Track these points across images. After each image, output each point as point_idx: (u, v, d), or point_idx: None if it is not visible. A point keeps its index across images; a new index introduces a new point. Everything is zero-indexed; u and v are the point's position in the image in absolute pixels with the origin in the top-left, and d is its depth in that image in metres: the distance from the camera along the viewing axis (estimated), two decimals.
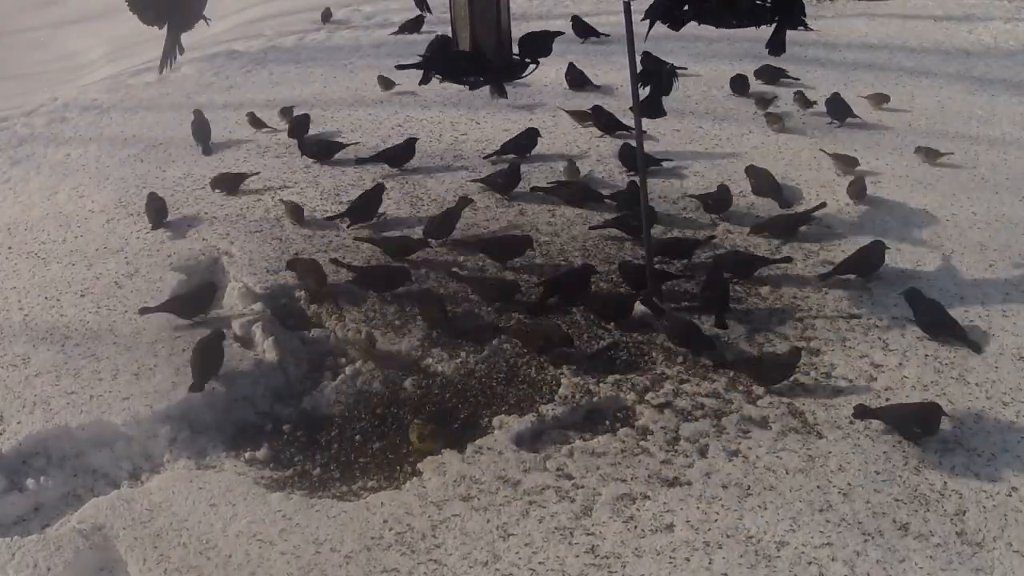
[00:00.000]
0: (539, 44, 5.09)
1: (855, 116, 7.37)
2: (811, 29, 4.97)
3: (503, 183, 6.37)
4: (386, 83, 8.16)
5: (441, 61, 4.92)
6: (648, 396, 4.57)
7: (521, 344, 4.92)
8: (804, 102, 7.61)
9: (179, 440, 4.44)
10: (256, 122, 7.56)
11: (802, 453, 4.17)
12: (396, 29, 9.97)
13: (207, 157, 7.06)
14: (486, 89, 5.18)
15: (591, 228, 5.96)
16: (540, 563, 3.67)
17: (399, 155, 6.80)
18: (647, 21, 5.00)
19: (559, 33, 5.33)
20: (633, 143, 5.97)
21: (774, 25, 4.96)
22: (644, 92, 5.21)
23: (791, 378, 4.58)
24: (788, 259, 5.57)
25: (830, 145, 6.97)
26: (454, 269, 5.56)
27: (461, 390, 4.72)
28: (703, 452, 4.20)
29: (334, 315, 5.27)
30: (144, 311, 5.09)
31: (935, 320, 4.88)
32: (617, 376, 4.71)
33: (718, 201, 6.12)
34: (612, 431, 4.39)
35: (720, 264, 5.41)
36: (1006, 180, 6.58)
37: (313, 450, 4.48)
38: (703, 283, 5.28)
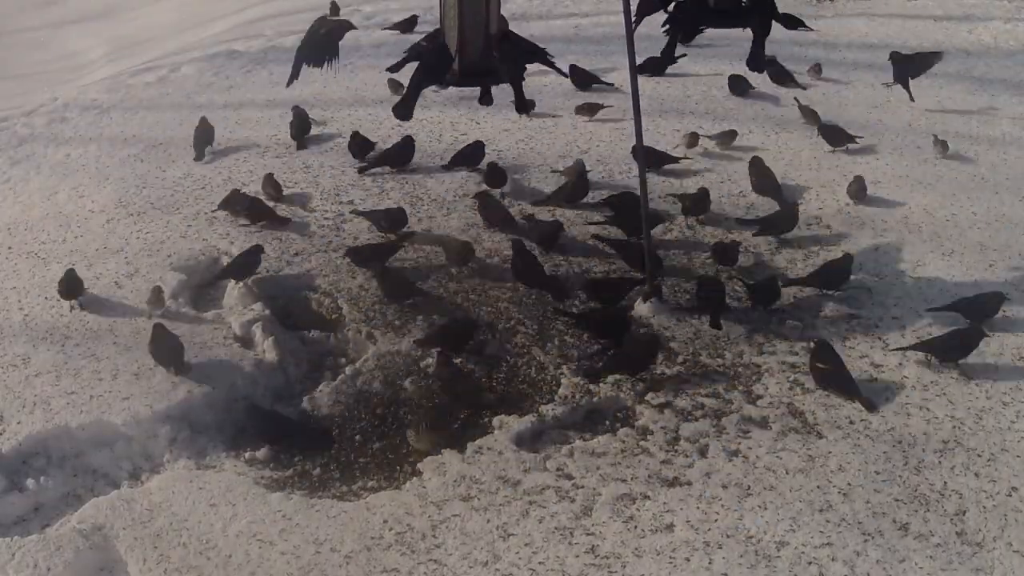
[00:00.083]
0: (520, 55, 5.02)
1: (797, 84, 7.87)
2: (811, 29, 4.97)
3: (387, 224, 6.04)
4: (396, 87, 8.12)
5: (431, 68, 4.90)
6: (648, 396, 4.57)
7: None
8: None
9: (179, 440, 4.44)
10: (305, 123, 7.45)
11: (802, 453, 4.17)
12: (390, 26, 10.00)
13: (200, 162, 6.95)
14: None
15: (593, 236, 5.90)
16: (540, 563, 3.67)
17: (398, 155, 6.77)
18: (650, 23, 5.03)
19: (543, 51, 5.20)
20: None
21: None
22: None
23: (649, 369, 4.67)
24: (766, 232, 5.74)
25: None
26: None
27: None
28: (703, 452, 4.20)
29: (334, 315, 5.28)
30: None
31: (835, 375, 4.57)
32: (617, 376, 4.71)
33: (696, 203, 6.04)
34: (612, 431, 4.39)
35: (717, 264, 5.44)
36: (1006, 180, 6.58)
37: (313, 450, 4.47)
38: (698, 284, 5.28)
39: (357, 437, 4.53)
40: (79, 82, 10.01)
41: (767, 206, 6.21)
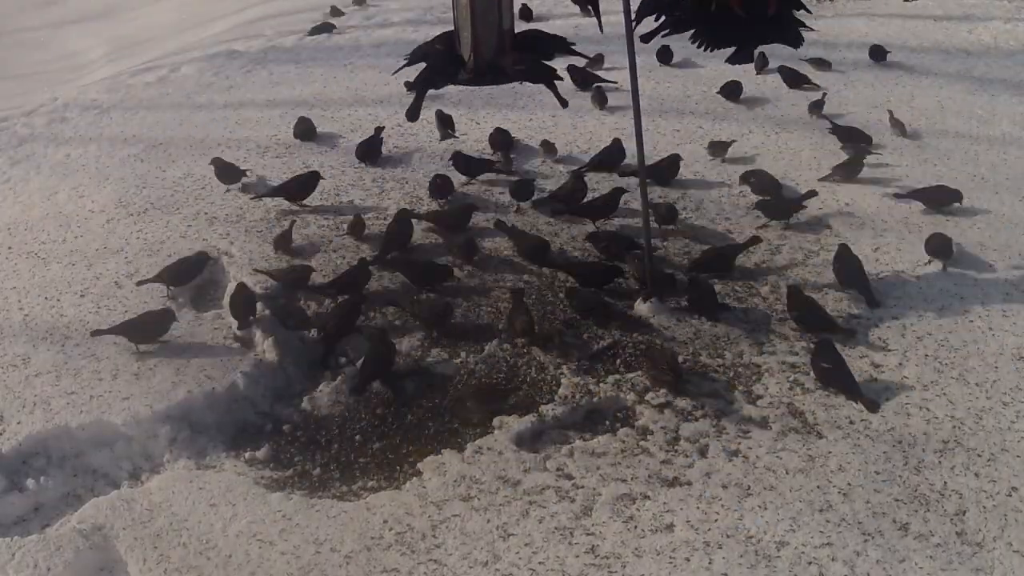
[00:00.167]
0: (541, 49, 5.01)
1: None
2: (811, 29, 4.97)
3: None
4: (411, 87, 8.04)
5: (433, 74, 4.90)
6: (648, 396, 4.57)
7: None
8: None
9: (179, 440, 4.44)
10: (446, 123, 7.35)
11: (802, 453, 4.17)
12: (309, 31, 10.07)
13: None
14: (486, 89, 5.18)
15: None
16: (540, 563, 3.67)
17: (297, 189, 6.29)
18: (647, 22, 5.01)
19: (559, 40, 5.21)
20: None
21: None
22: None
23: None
24: (757, 239, 5.68)
25: (831, 144, 6.96)
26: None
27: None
28: (703, 452, 4.20)
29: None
30: (96, 333, 4.91)
31: (836, 374, 4.57)
32: (617, 376, 4.71)
33: (665, 216, 5.96)
34: (612, 431, 4.39)
35: (697, 265, 5.50)
36: (1006, 180, 6.58)
37: (313, 450, 4.48)
38: (687, 285, 5.29)
39: (357, 437, 4.53)
40: (79, 82, 10.02)
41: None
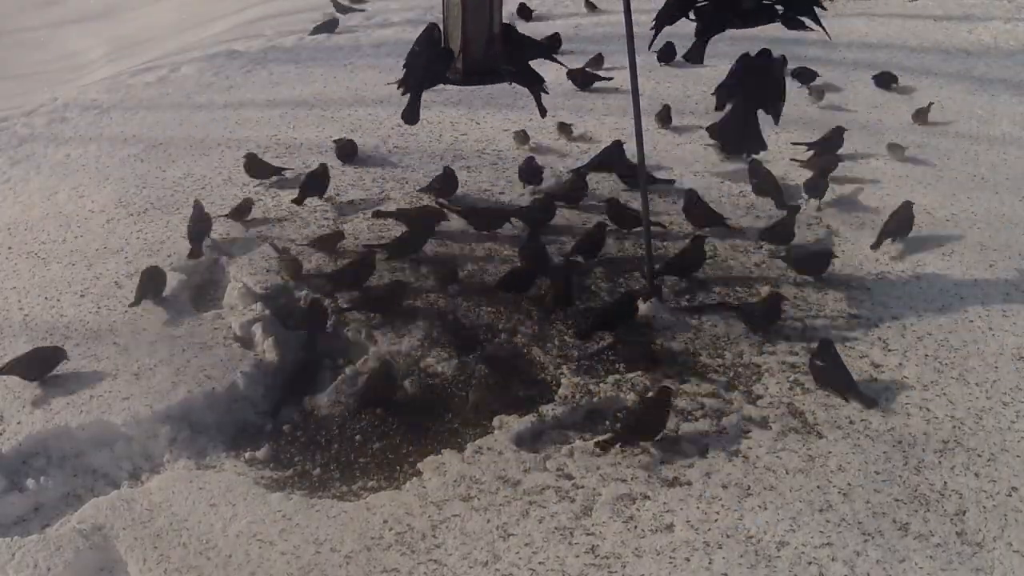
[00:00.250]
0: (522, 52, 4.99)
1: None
2: (811, 29, 4.97)
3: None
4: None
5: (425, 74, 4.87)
6: (648, 396, 4.57)
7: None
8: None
9: (179, 440, 4.44)
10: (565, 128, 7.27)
11: (802, 453, 4.17)
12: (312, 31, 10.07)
13: (192, 252, 5.74)
14: (486, 89, 5.17)
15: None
16: (540, 563, 3.67)
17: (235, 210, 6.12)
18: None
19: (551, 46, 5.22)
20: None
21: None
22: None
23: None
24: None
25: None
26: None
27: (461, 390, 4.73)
28: (703, 452, 4.20)
29: (334, 315, 5.27)
30: None
31: (834, 375, 4.56)
32: (617, 376, 4.71)
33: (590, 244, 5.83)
34: (612, 431, 4.39)
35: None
36: (1006, 180, 6.58)
37: (313, 450, 4.48)
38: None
39: (357, 437, 4.53)
40: (79, 82, 10.01)
41: (767, 206, 6.21)
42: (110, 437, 4.41)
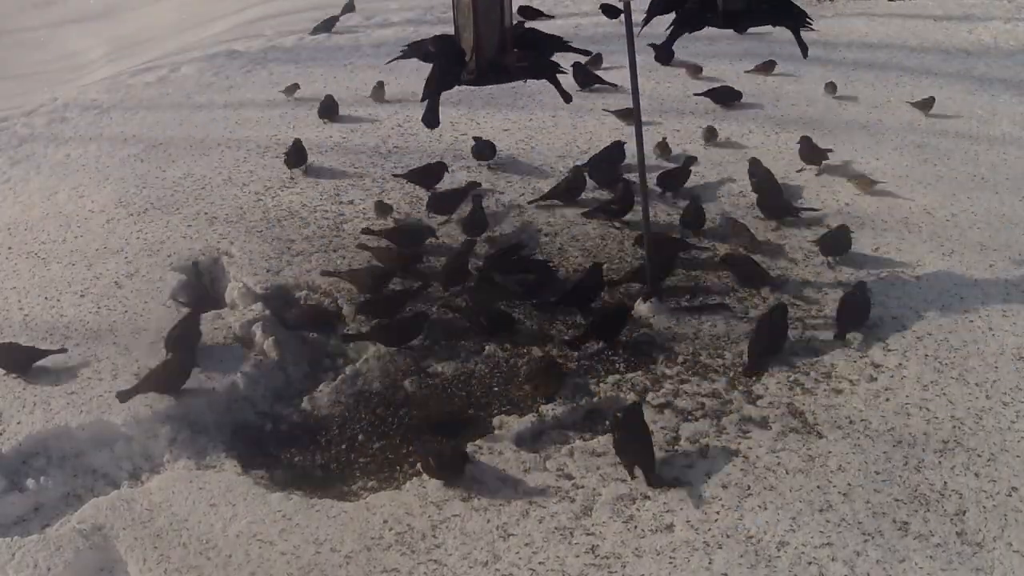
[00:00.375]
0: (541, 47, 5.00)
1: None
2: (812, 28, 4.97)
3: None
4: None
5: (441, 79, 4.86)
6: (648, 396, 4.57)
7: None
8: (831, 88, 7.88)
9: (179, 440, 4.44)
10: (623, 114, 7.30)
11: (802, 453, 4.17)
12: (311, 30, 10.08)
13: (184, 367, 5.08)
14: (486, 89, 5.16)
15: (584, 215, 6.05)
16: (540, 563, 3.67)
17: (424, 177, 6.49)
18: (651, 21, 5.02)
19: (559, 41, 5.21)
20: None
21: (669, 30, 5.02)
22: None
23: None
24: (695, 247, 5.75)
25: (826, 141, 6.93)
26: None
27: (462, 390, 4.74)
28: (703, 452, 4.20)
29: (334, 315, 5.28)
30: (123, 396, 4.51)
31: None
32: (617, 376, 4.71)
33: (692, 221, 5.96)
34: (612, 431, 4.39)
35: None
36: (1006, 180, 6.58)
37: (313, 450, 4.48)
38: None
39: (358, 437, 4.53)
40: (79, 82, 10.01)
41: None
42: (110, 437, 4.41)
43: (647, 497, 3.96)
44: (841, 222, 5.96)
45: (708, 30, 5.20)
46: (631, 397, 4.55)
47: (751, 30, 5.27)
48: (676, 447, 4.24)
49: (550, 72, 4.93)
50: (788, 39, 5.23)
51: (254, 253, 5.76)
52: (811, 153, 6.68)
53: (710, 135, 7.11)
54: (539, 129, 7.40)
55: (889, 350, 4.83)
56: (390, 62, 5.26)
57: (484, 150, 6.81)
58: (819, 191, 6.40)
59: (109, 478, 4.31)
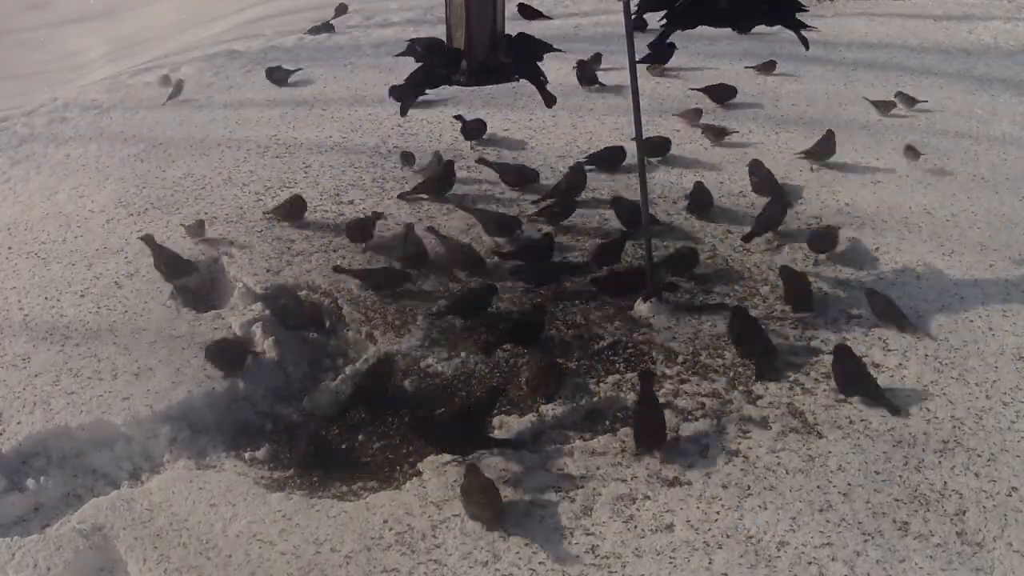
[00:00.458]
0: (530, 50, 5.00)
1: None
2: (812, 28, 4.97)
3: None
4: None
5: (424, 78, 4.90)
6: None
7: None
8: (909, 100, 7.67)
9: (179, 440, 4.44)
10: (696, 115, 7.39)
11: (802, 453, 4.17)
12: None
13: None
14: (486, 89, 5.18)
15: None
16: (540, 563, 3.67)
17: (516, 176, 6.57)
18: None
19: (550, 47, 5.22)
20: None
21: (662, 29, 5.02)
22: None
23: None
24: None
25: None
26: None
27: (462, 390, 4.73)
28: (703, 452, 4.20)
29: (334, 315, 5.28)
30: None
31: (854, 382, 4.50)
32: (617, 376, 4.71)
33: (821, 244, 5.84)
34: (612, 431, 4.39)
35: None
36: (1006, 180, 6.58)
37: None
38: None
39: (358, 437, 4.53)
40: (79, 82, 10.02)
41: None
42: (110, 437, 4.41)
43: (647, 497, 3.96)
44: (841, 222, 5.97)
45: (708, 30, 5.21)
46: (631, 397, 4.55)
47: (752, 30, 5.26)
48: (676, 447, 4.24)
49: (536, 76, 4.94)
50: (788, 39, 5.24)
51: (254, 253, 5.76)
52: (822, 149, 6.73)
53: (718, 134, 7.10)
54: (539, 129, 7.40)
55: (889, 350, 4.83)
56: (398, 56, 5.23)
57: (472, 131, 7.07)
58: (819, 191, 6.40)
59: (109, 478, 4.31)
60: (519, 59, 4.86)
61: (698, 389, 4.60)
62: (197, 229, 5.86)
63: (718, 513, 3.86)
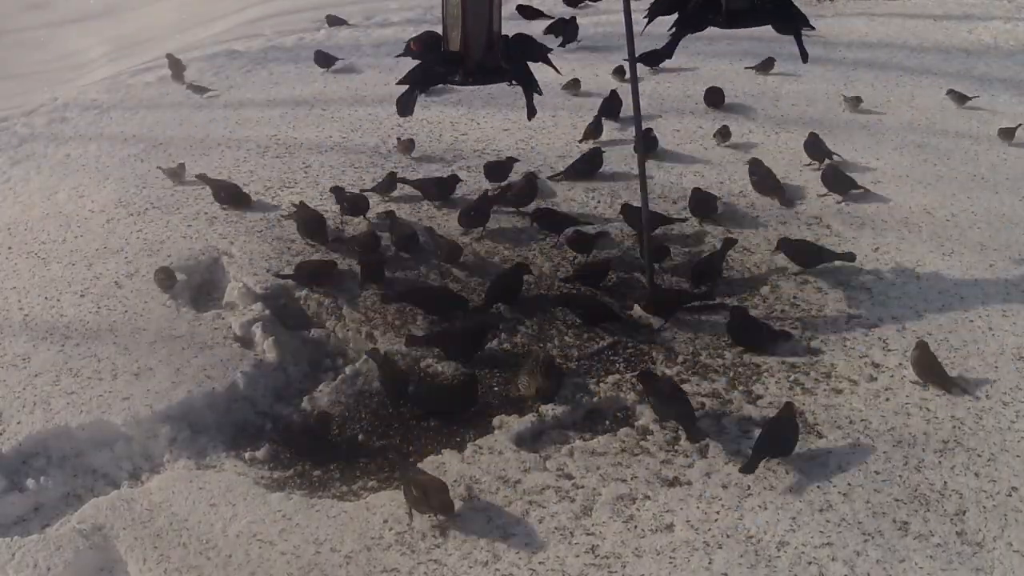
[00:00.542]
0: (527, 50, 4.99)
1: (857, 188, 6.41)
2: (812, 28, 4.97)
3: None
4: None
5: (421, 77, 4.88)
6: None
7: None
8: (960, 98, 7.70)
9: (179, 440, 4.44)
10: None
11: (802, 453, 4.16)
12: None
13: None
14: (486, 89, 5.16)
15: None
16: (540, 563, 3.67)
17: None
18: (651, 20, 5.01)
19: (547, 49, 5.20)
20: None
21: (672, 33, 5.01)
22: None
23: None
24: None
25: (826, 141, 6.93)
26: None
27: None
28: (703, 452, 4.20)
29: (334, 315, 5.28)
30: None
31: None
32: (617, 376, 4.71)
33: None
34: (612, 431, 4.39)
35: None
36: (1006, 180, 6.58)
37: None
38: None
39: (358, 437, 4.53)
40: (79, 82, 10.01)
41: (767, 204, 6.22)
42: (110, 437, 4.41)
43: (647, 497, 3.96)
44: (841, 222, 5.98)
45: (709, 30, 5.21)
46: (631, 397, 4.56)
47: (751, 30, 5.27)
48: (676, 447, 4.24)
49: (528, 85, 4.93)
50: (788, 38, 5.23)
51: (254, 253, 5.76)
52: (816, 150, 6.69)
53: (724, 135, 7.08)
54: (539, 129, 7.39)
55: (889, 350, 4.83)
56: (399, 56, 5.21)
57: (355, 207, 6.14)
58: (820, 191, 6.40)
59: (109, 478, 4.31)
60: (515, 61, 4.84)
61: (698, 389, 4.60)
62: (178, 172, 6.13)
63: (718, 513, 3.86)
